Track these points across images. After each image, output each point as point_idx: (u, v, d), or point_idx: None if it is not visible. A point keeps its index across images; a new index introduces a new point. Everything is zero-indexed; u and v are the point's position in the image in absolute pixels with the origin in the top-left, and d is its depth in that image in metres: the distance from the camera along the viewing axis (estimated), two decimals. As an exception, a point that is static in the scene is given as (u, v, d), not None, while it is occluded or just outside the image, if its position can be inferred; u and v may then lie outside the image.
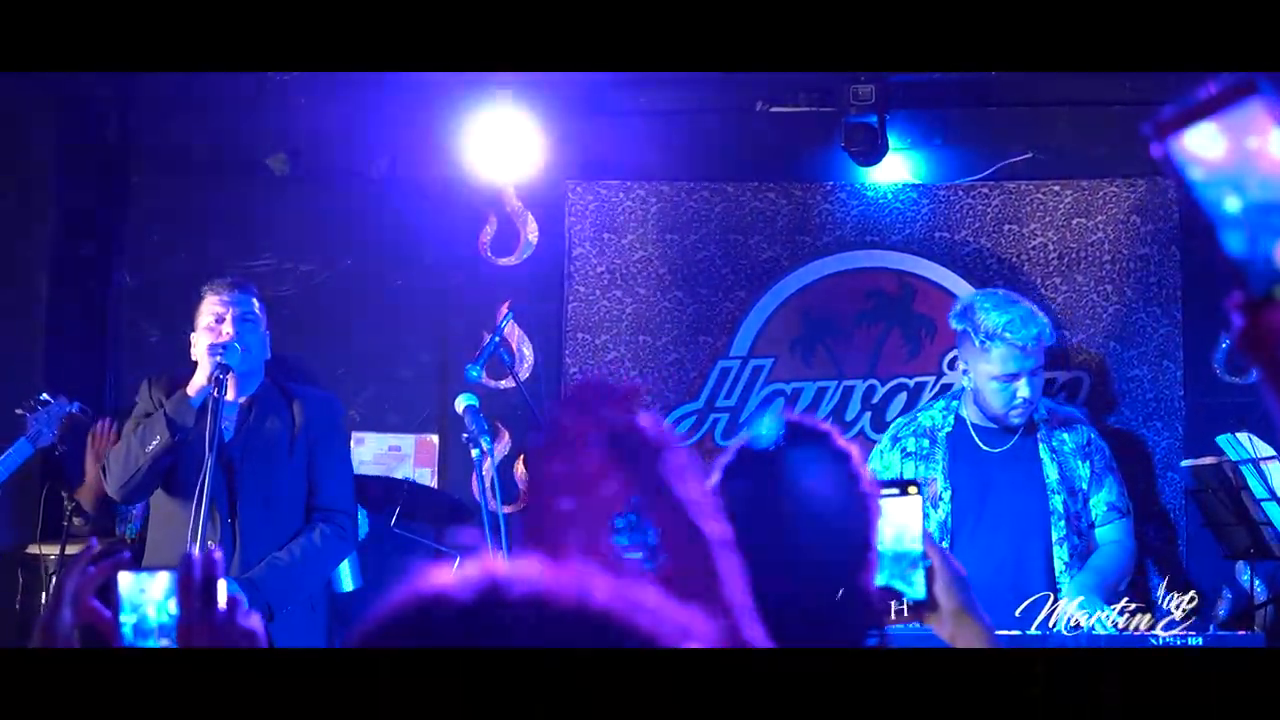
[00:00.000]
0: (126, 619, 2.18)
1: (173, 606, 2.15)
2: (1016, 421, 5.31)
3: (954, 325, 5.39)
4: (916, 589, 2.30)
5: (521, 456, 6.78)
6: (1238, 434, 5.74)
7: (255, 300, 5.30)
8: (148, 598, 2.18)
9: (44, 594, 6.15)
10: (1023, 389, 5.23)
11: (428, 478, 6.92)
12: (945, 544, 5.31)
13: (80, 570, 2.19)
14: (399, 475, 6.79)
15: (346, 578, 5.85)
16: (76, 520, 6.22)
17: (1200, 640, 4.67)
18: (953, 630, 2.32)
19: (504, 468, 6.68)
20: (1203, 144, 1.17)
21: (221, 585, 2.09)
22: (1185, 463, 6.26)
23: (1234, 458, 5.68)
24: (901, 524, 2.31)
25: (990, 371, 5.25)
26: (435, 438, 6.97)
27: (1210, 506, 5.90)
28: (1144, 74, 5.91)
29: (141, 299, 7.15)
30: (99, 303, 7.19)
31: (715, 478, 2.34)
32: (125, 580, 2.20)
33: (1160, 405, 6.65)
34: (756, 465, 2.31)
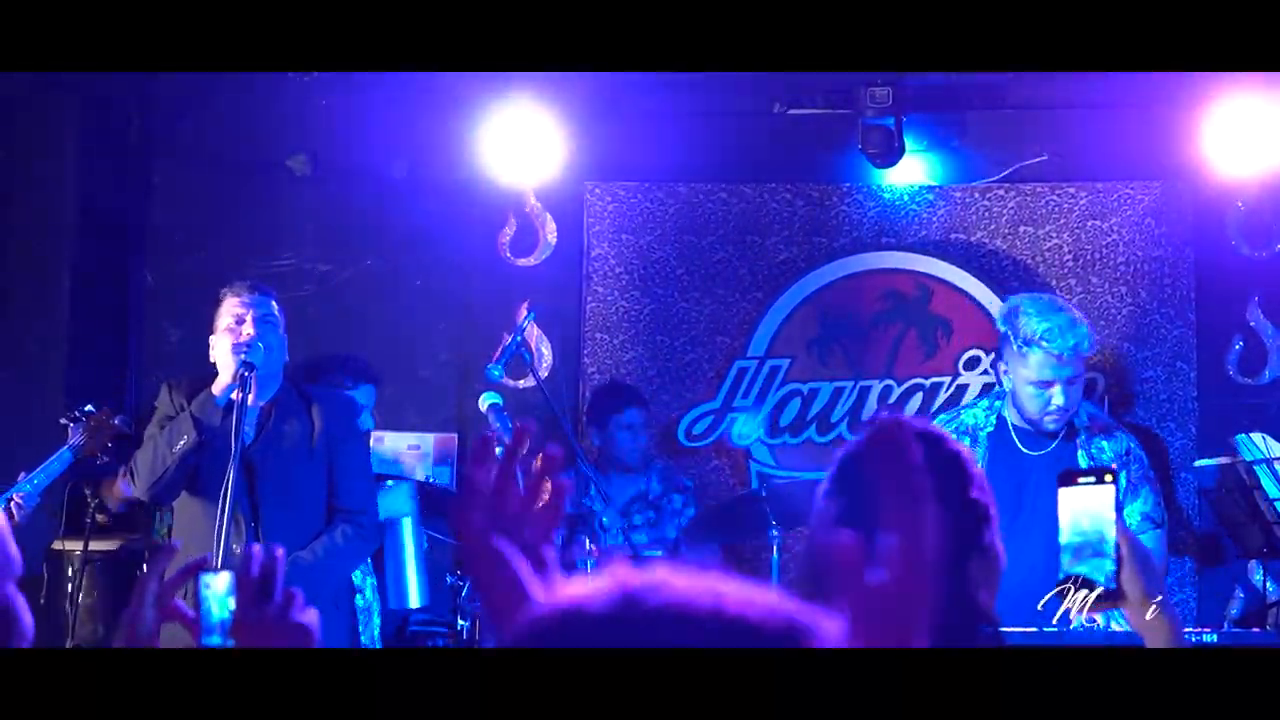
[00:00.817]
0: None
1: (234, 603, 2.20)
2: (1051, 427, 5.31)
3: (999, 327, 5.41)
4: (1107, 577, 2.26)
5: None
6: (1251, 434, 5.78)
7: (274, 303, 5.33)
8: (211, 593, 2.23)
9: (69, 588, 6.21)
10: (1057, 396, 5.22)
11: (446, 476, 6.96)
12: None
13: (160, 573, 2.24)
14: (418, 474, 6.82)
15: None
16: (100, 517, 6.27)
17: (1214, 638, 4.70)
18: (1141, 621, 2.28)
19: (523, 466, 6.69)
20: None
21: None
22: (1199, 463, 6.30)
23: (1248, 458, 5.73)
24: (1095, 511, 2.26)
25: (1027, 376, 5.26)
26: (455, 436, 7.01)
27: (1224, 506, 5.94)
28: (1160, 75, 5.94)
29: (163, 299, 7.19)
30: (120, 302, 7.24)
31: (823, 486, 2.35)
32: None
33: (1174, 406, 6.69)
34: (863, 472, 2.31)
